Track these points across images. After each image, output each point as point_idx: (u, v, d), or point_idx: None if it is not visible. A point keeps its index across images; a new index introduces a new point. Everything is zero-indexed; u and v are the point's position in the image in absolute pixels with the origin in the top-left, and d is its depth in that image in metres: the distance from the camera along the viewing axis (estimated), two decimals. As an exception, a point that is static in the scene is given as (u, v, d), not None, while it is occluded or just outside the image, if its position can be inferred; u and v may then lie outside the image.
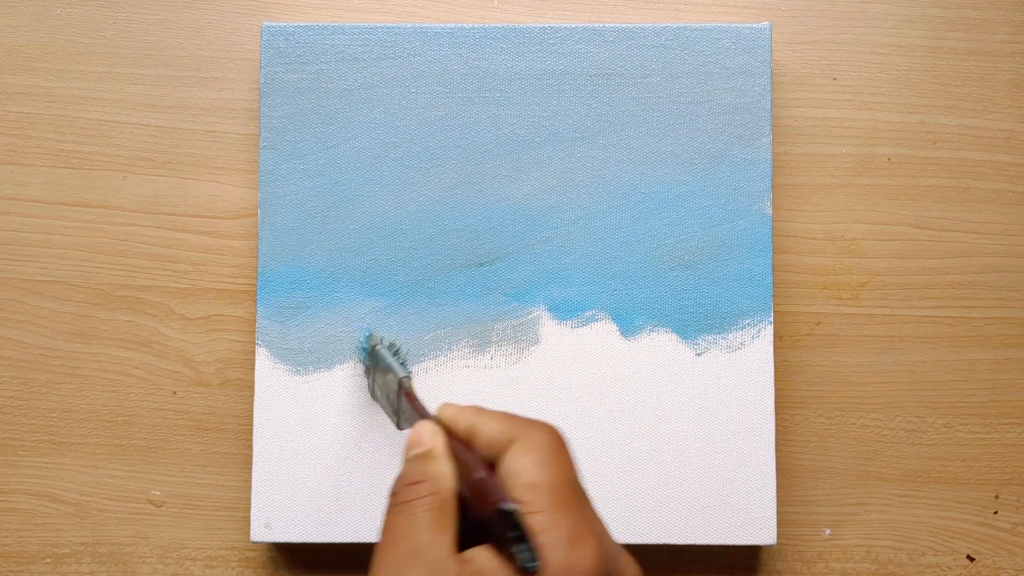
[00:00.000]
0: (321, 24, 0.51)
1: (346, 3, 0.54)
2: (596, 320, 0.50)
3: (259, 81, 0.51)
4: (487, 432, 0.37)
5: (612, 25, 0.51)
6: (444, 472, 0.36)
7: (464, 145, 0.51)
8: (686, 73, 0.51)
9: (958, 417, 0.53)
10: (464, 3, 0.54)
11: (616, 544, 0.36)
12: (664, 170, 0.50)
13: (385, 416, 0.49)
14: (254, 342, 0.51)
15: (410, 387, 0.43)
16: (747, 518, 0.49)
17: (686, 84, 0.51)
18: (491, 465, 0.36)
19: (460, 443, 0.37)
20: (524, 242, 0.50)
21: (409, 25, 0.51)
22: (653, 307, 0.50)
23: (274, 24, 0.51)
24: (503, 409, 0.38)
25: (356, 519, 0.49)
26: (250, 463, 0.51)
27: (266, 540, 0.49)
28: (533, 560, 0.33)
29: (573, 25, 0.51)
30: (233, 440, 0.52)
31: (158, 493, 0.52)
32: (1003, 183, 0.53)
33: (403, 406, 0.44)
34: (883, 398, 0.53)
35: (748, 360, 0.50)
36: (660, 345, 0.50)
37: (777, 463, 0.50)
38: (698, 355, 0.50)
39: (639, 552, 0.52)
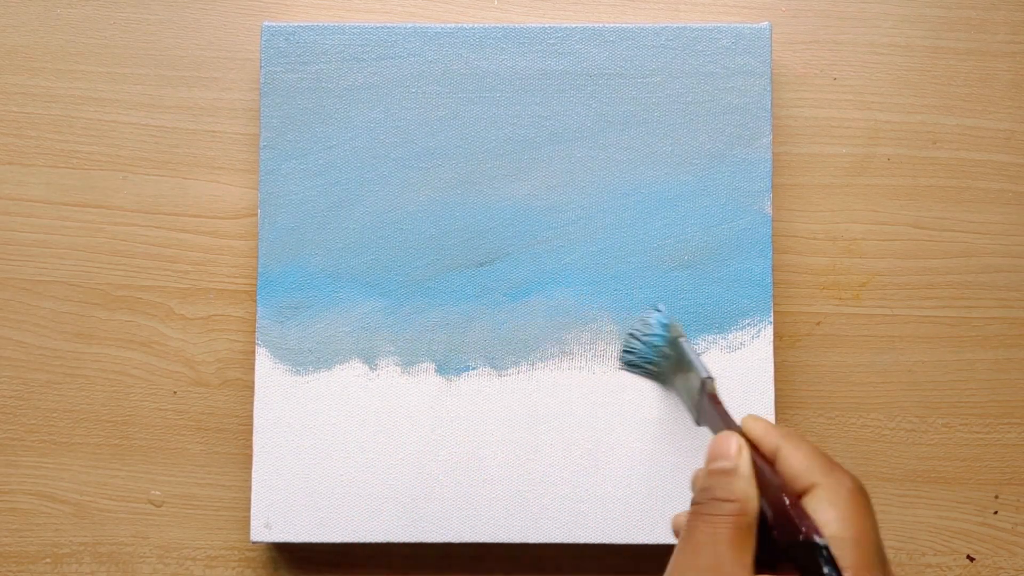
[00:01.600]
0: (321, 24, 0.51)
1: (346, 3, 0.54)
2: (596, 320, 0.50)
3: (259, 81, 0.51)
4: (792, 464, 0.36)
5: (612, 25, 0.51)
6: (750, 494, 0.36)
7: (464, 145, 0.51)
8: (686, 73, 0.51)
9: (958, 417, 0.53)
10: (464, 3, 0.54)
11: None
12: (664, 170, 0.50)
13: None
14: (254, 342, 0.51)
15: (714, 389, 0.43)
16: (747, 518, 0.49)
17: (686, 84, 0.51)
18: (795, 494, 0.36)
19: (765, 463, 0.37)
20: (524, 242, 0.50)
21: (409, 25, 0.51)
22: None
23: (274, 24, 0.51)
24: (805, 444, 0.37)
25: (356, 519, 0.49)
26: (250, 463, 0.51)
27: (266, 540, 0.49)
28: None
29: (573, 25, 0.51)
30: (233, 440, 0.52)
31: (158, 493, 0.52)
32: (1003, 183, 0.53)
33: (704, 406, 0.43)
34: (883, 398, 0.53)
35: (748, 360, 0.50)
36: (660, 345, 0.50)
37: (777, 463, 0.50)
38: (698, 355, 0.50)
39: (639, 552, 0.52)
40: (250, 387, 0.52)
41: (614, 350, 0.50)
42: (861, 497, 0.35)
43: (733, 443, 0.37)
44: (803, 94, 0.53)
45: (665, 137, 0.50)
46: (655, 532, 0.49)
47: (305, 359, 0.50)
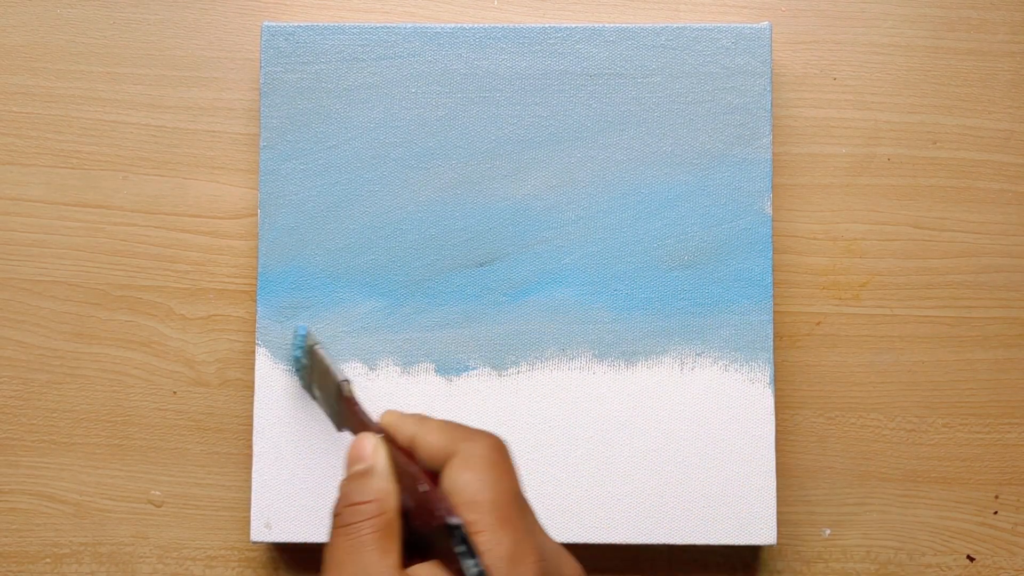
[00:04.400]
0: (321, 24, 0.51)
1: (346, 3, 0.54)
2: (596, 320, 0.50)
3: (259, 81, 0.51)
4: (428, 444, 0.37)
5: (612, 25, 0.51)
6: (387, 490, 0.36)
7: (464, 145, 0.51)
8: (686, 73, 0.51)
9: (958, 417, 0.53)
10: (464, 3, 0.54)
11: (557, 547, 0.37)
12: (664, 170, 0.50)
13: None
14: (254, 342, 0.51)
15: (351, 392, 0.42)
16: (747, 518, 0.49)
17: (686, 84, 0.51)
18: (434, 476, 0.36)
19: (403, 453, 0.37)
20: (524, 242, 0.50)
21: (409, 25, 0.51)
22: (653, 307, 0.50)
23: (274, 24, 0.51)
24: (439, 422, 0.38)
25: (356, 519, 0.49)
26: (250, 463, 0.51)
27: (266, 540, 0.49)
28: (482, 575, 0.33)
29: (573, 25, 0.51)
30: (233, 440, 0.52)
31: (158, 493, 0.52)
32: (1003, 183, 0.53)
33: (343, 410, 0.43)
34: (883, 398, 0.53)
35: (749, 360, 0.50)
36: (660, 345, 0.50)
37: (777, 463, 0.50)
38: (698, 355, 0.50)
39: (640, 552, 0.52)
40: (250, 387, 0.52)
41: (614, 351, 0.50)
42: (497, 454, 0.36)
43: (368, 444, 0.37)
44: (803, 94, 0.53)
45: (665, 137, 0.50)
46: (655, 532, 0.49)
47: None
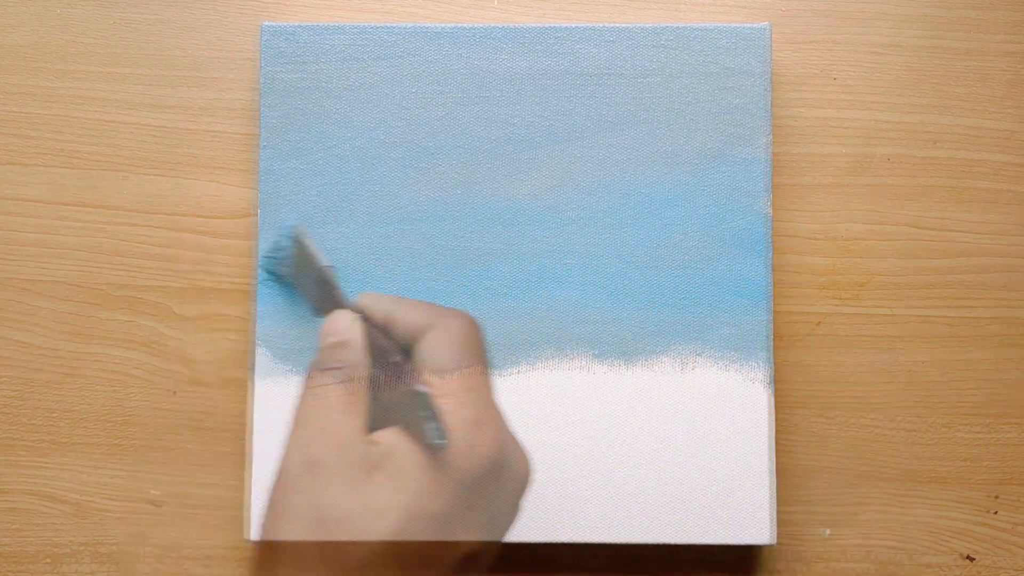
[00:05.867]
0: (321, 24, 0.51)
1: (346, 3, 0.54)
2: (596, 320, 0.50)
3: (259, 81, 0.51)
4: (404, 320, 0.40)
5: (612, 25, 0.51)
6: (357, 359, 0.39)
7: (464, 145, 0.51)
8: (685, 73, 0.51)
9: (957, 417, 0.53)
10: (464, 3, 0.54)
11: (511, 435, 0.40)
12: (664, 170, 0.50)
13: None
14: (253, 342, 0.51)
15: (332, 276, 0.45)
16: (746, 518, 0.49)
17: (685, 84, 0.51)
18: (407, 351, 0.39)
19: (377, 330, 0.40)
20: (524, 242, 0.50)
21: (409, 25, 0.51)
22: (652, 307, 0.50)
23: (274, 24, 0.51)
24: (414, 301, 0.42)
25: (355, 519, 0.49)
26: (249, 463, 0.51)
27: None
28: (441, 437, 0.36)
29: (573, 25, 0.51)
30: (232, 440, 0.52)
31: (157, 493, 0.52)
32: (1003, 183, 0.53)
33: (324, 295, 0.45)
34: (883, 398, 0.53)
35: (747, 360, 0.50)
36: (659, 345, 0.50)
37: (776, 463, 0.50)
38: (697, 355, 0.50)
39: (638, 552, 0.52)
40: (249, 387, 0.52)
41: (613, 351, 0.50)
42: (470, 330, 0.40)
43: (343, 318, 0.41)
44: (802, 94, 0.53)
45: (664, 137, 0.50)
46: (654, 532, 0.49)
47: (305, 359, 0.50)
